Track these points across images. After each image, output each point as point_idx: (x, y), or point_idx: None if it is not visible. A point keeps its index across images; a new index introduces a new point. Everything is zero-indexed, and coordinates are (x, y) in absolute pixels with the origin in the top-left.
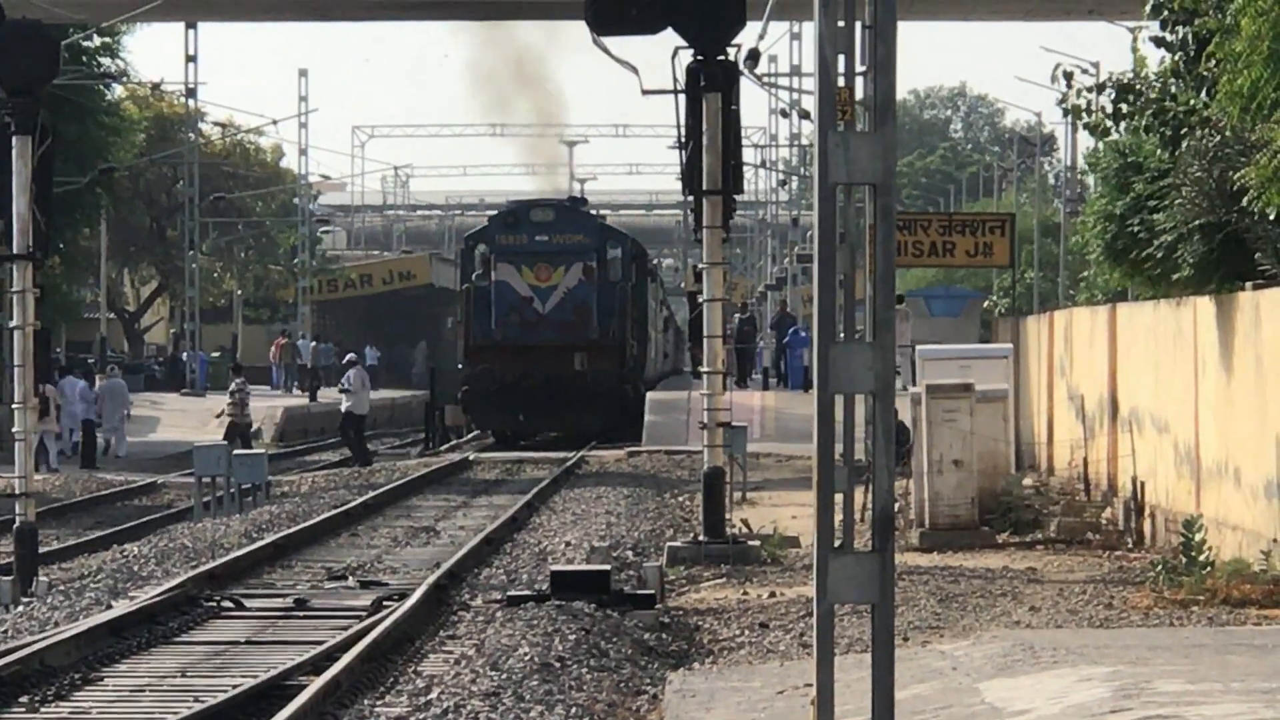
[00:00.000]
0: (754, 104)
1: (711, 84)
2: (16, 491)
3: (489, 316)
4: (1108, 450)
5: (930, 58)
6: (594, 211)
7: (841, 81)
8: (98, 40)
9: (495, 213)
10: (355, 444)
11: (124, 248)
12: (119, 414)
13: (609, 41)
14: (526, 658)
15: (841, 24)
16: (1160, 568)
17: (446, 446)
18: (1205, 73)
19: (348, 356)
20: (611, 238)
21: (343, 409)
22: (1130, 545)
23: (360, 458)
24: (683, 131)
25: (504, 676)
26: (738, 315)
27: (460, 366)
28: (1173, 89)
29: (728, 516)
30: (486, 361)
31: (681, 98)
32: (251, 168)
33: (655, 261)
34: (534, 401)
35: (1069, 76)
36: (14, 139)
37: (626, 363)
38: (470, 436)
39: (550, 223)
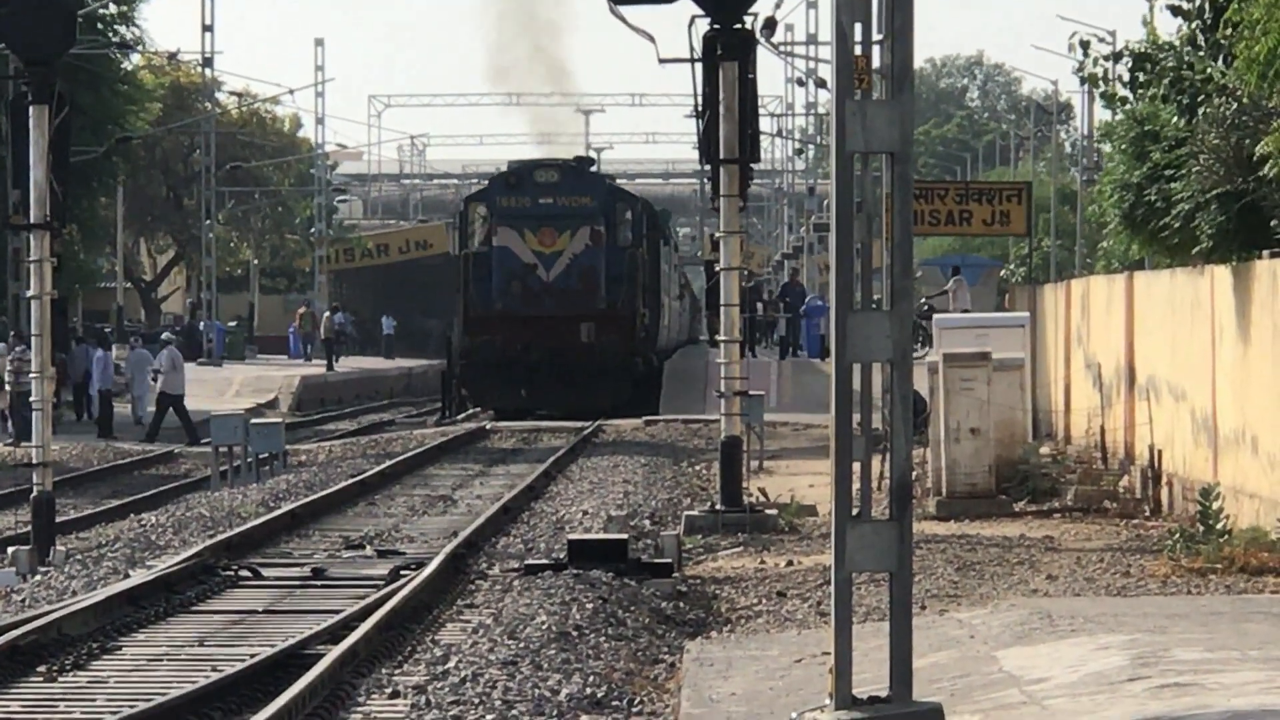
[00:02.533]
0: (771, 73)
1: (728, 53)
2: (34, 461)
3: (489, 285)
4: (1125, 418)
5: (947, 26)
6: (602, 172)
7: (859, 50)
8: (114, 9)
9: (496, 173)
10: (183, 422)
11: (141, 217)
12: (145, 383)
13: (626, 10)
14: (544, 627)
15: None
16: (1177, 536)
17: (463, 415)
18: (1222, 40)
19: (163, 335)
20: (621, 199)
21: (156, 390)
22: (1147, 513)
23: (153, 437)
24: (699, 100)
25: (522, 645)
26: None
27: (456, 339)
28: (1189, 57)
29: (745, 485)
30: (486, 333)
31: (698, 66)
32: (268, 137)
33: (669, 224)
34: (537, 377)
35: (1086, 45)
36: (31, 109)
37: (637, 334)
38: None
39: (555, 184)
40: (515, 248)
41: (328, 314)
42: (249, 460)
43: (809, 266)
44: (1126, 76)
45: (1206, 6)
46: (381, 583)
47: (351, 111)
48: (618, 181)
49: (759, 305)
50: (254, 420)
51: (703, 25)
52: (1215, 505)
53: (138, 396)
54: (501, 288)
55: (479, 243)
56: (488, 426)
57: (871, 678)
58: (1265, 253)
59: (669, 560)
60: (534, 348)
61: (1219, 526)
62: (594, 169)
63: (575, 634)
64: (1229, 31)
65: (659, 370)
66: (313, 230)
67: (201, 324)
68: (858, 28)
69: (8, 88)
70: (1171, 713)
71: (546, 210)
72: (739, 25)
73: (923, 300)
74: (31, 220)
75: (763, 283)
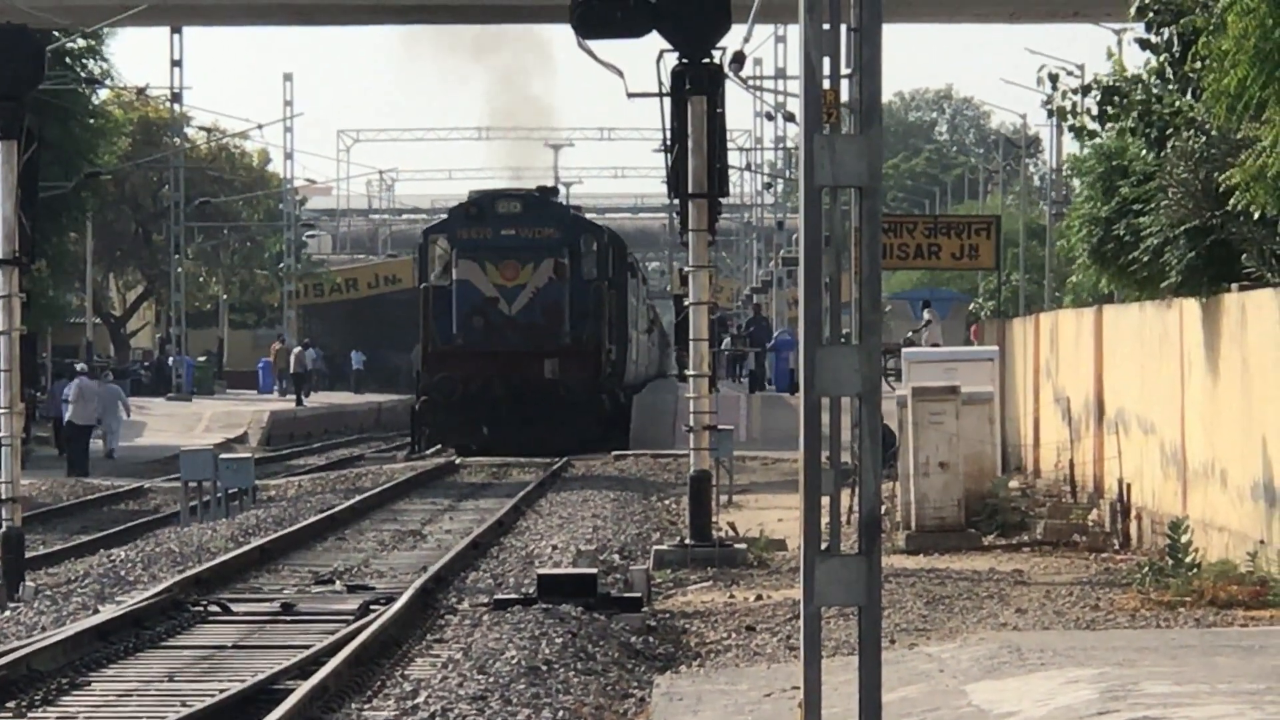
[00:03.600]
0: (739, 107)
1: (697, 87)
2: (3, 497)
3: (449, 319)
4: (1094, 452)
5: (916, 60)
6: (566, 203)
7: (827, 84)
8: (82, 43)
9: (456, 204)
10: (74, 452)
11: (109, 252)
12: (116, 416)
13: (594, 45)
14: (513, 661)
15: (827, 27)
16: (1147, 569)
17: (432, 450)
18: (1190, 74)
19: (78, 366)
20: (586, 231)
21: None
22: (1116, 547)
23: (76, 466)
24: (668, 135)
25: (491, 680)
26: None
27: (417, 375)
28: (1158, 90)
29: (714, 519)
30: (446, 369)
31: (667, 101)
32: (237, 172)
33: (634, 257)
34: (500, 414)
35: (1054, 79)
36: None
37: (603, 369)
38: None
39: (517, 215)
40: (476, 281)
41: (298, 349)
42: (219, 495)
43: (778, 300)
44: (1095, 110)
45: (1175, 40)
46: (351, 618)
47: (320, 146)
48: (586, 214)
49: (724, 339)
50: (223, 455)
51: (671, 60)
52: (1184, 539)
53: (110, 431)
54: (462, 322)
55: (439, 276)
56: (457, 461)
57: (841, 712)
58: (1234, 286)
59: (638, 595)
60: (496, 384)
61: (1188, 560)
62: (558, 199)
63: (545, 669)
64: (1198, 64)
65: (626, 406)
66: (281, 265)
67: (171, 359)
68: (826, 62)
69: None
70: None
71: (509, 242)
72: (707, 60)
73: (910, 334)
74: (0, 256)
75: (731, 316)
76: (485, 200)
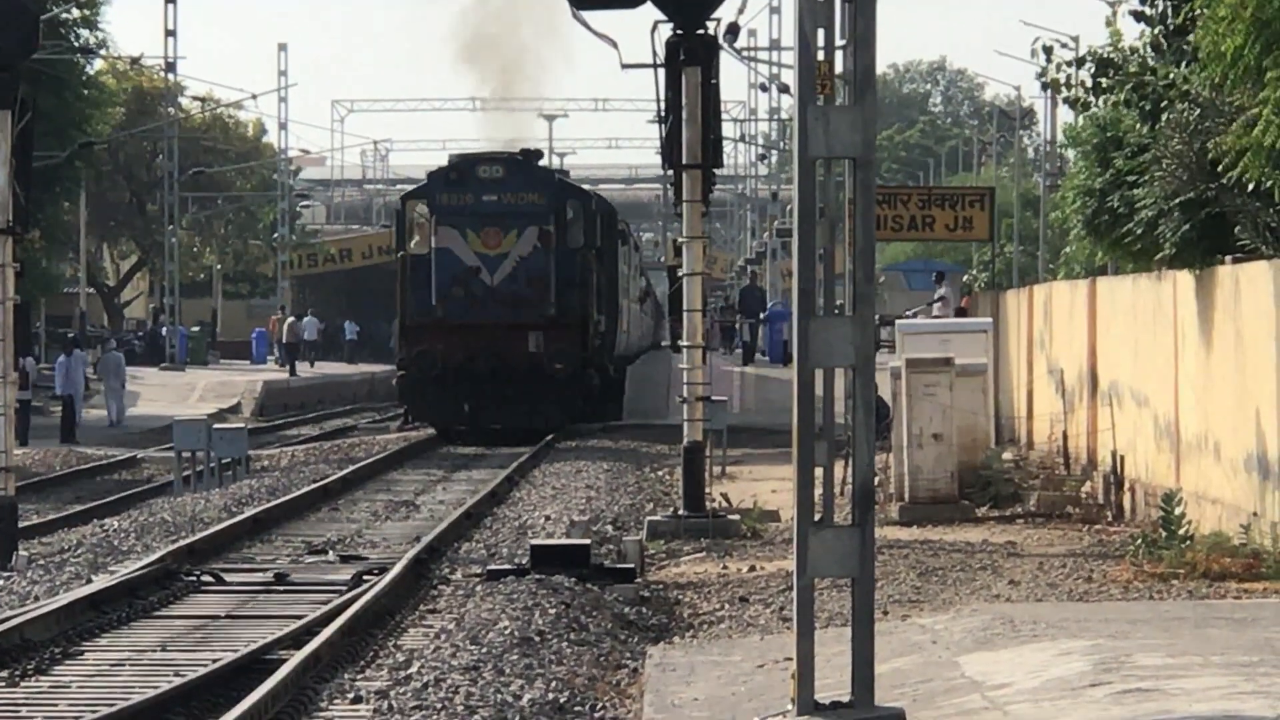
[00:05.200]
0: (733, 78)
1: (691, 58)
2: None
3: (428, 289)
4: (1087, 424)
5: (910, 32)
6: (552, 166)
7: (821, 55)
8: (76, 13)
9: (436, 168)
10: (63, 420)
11: (103, 222)
12: (118, 385)
13: (589, 15)
14: (506, 632)
15: None
16: (1140, 541)
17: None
18: (1185, 46)
19: (70, 335)
20: (573, 196)
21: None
22: (1110, 519)
23: (66, 434)
24: (662, 106)
25: (484, 650)
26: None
27: (395, 348)
28: (1152, 63)
29: (708, 491)
30: (425, 342)
31: (661, 72)
32: (231, 142)
33: (626, 223)
34: (481, 390)
35: (1048, 51)
36: None
37: (591, 343)
38: None
39: (500, 179)
40: (456, 249)
41: (292, 319)
42: (212, 465)
43: (771, 272)
44: (1089, 82)
45: (1169, 12)
46: (344, 588)
47: (314, 116)
48: (565, 171)
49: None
50: (217, 425)
51: (666, 31)
52: (1177, 511)
53: (113, 392)
54: (442, 293)
55: (418, 244)
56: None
57: (834, 683)
58: (1228, 258)
59: (632, 565)
60: (477, 358)
61: (1181, 532)
62: (541, 162)
63: (538, 639)
64: (1194, 25)
65: (618, 380)
66: (276, 235)
67: (164, 329)
68: (820, 33)
69: None
70: (1134, 718)
71: (491, 208)
72: (702, 31)
73: (921, 308)
74: None
75: (723, 287)
76: (465, 164)
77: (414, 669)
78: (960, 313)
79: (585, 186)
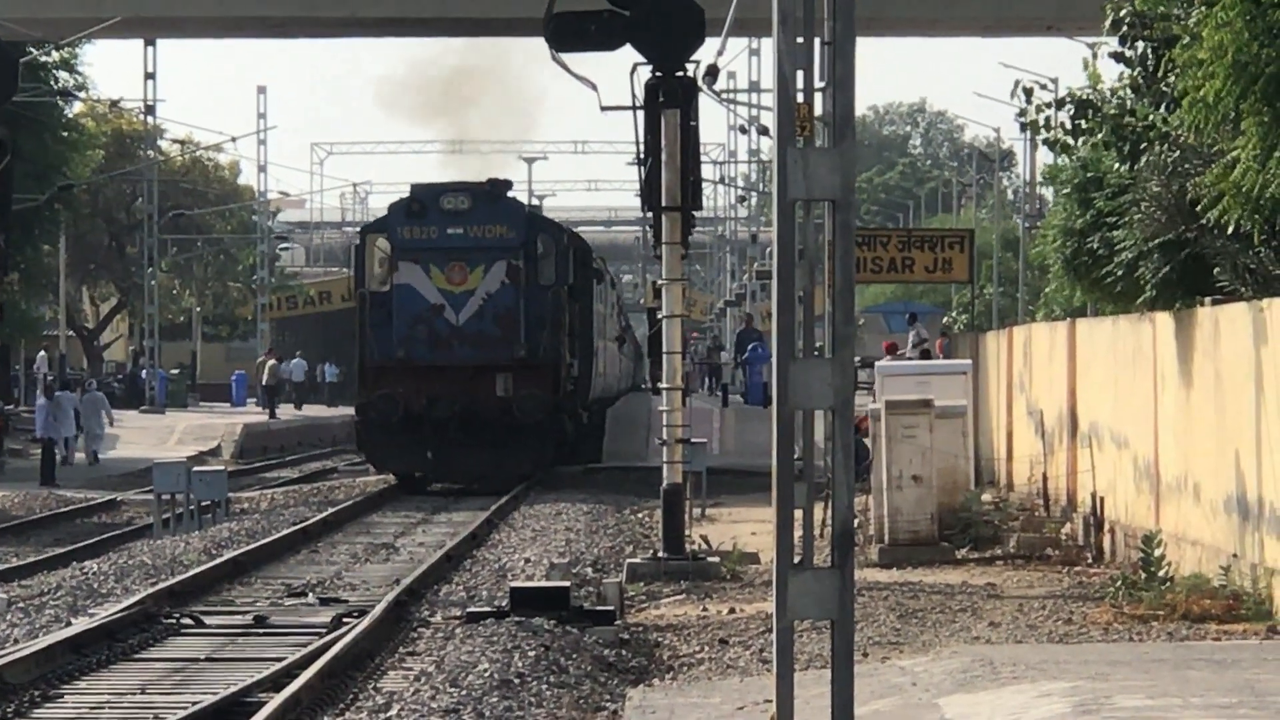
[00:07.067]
0: (713, 120)
1: (670, 100)
2: None
3: (389, 329)
4: (1067, 466)
5: (889, 74)
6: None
7: (800, 97)
8: (56, 55)
9: (397, 199)
10: (43, 464)
11: (83, 265)
12: (100, 425)
13: (568, 58)
14: (486, 674)
15: (800, 40)
16: (1120, 583)
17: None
18: (1164, 88)
19: (48, 377)
20: (544, 230)
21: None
22: (1090, 561)
23: (45, 478)
24: (642, 148)
25: (464, 693)
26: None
27: (356, 392)
28: (1131, 104)
29: (687, 533)
30: (386, 385)
31: (640, 114)
32: (210, 184)
33: (601, 260)
34: (446, 437)
35: (1028, 92)
36: None
37: (563, 386)
38: None
39: (465, 211)
40: (419, 286)
41: (272, 362)
42: (191, 508)
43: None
44: (1069, 124)
45: (1149, 54)
46: (324, 630)
47: (294, 159)
48: (536, 202)
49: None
50: (196, 468)
51: (645, 73)
52: (1157, 552)
53: (95, 436)
54: (403, 333)
55: (378, 280)
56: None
57: None
58: (1207, 300)
59: (611, 608)
60: (441, 403)
61: (1161, 573)
62: (511, 194)
63: (517, 682)
64: (1173, 75)
65: (592, 425)
66: (255, 278)
67: (144, 372)
68: (800, 75)
69: None
70: None
71: (456, 242)
72: (681, 73)
73: (912, 346)
74: None
75: (703, 329)
76: (428, 195)
77: (394, 712)
78: (925, 355)
79: (558, 220)
